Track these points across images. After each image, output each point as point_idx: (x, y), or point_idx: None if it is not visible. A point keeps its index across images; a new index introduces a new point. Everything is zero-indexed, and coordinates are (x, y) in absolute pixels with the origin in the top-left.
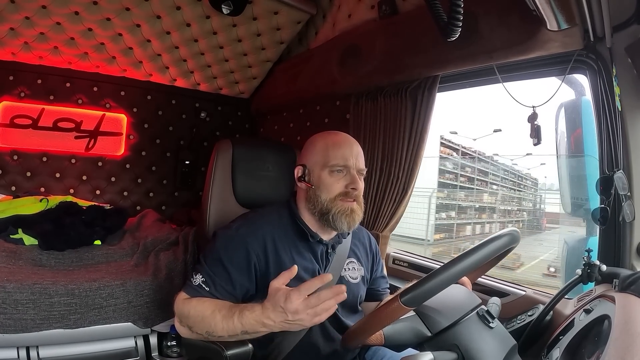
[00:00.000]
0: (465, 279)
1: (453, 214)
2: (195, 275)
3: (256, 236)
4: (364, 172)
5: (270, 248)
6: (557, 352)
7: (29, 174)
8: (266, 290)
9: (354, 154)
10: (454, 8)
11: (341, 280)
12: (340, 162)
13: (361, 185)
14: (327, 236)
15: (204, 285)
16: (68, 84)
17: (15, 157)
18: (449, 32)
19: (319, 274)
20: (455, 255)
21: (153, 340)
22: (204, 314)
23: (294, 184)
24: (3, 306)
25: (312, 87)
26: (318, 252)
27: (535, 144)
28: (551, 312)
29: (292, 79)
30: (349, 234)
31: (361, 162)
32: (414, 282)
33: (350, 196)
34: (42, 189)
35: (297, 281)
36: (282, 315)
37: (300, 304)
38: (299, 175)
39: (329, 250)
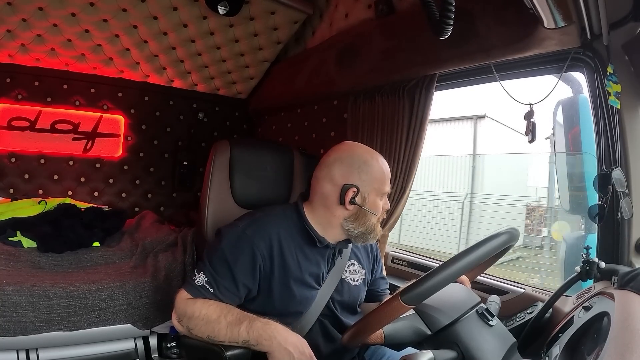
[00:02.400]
0: (464, 277)
1: None
2: (198, 274)
3: (263, 237)
4: None
5: (276, 249)
6: (556, 350)
7: (27, 176)
8: (268, 293)
9: None
10: (445, 6)
11: (342, 282)
12: (389, 188)
13: None
14: (334, 240)
15: (207, 286)
16: (65, 86)
17: (13, 160)
18: (441, 30)
19: (323, 277)
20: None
21: (153, 341)
22: (209, 318)
23: (291, 186)
24: (2, 309)
25: (309, 86)
26: (326, 255)
27: (529, 142)
28: (550, 310)
29: (290, 79)
30: None
31: None
32: (414, 280)
33: (383, 216)
34: (40, 191)
35: (300, 283)
36: (296, 349)
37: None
38: (351, 196)
39: (335, 254)
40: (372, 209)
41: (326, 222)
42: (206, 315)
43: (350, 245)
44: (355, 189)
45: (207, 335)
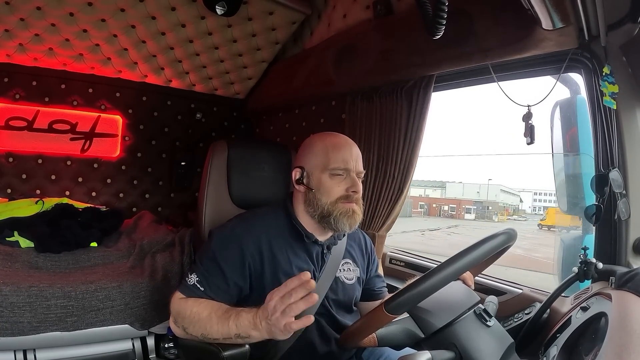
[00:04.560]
0: (467, 274)
1: None
2: (191, 275)
3: (251, 236)
4: (362, 175)
5: (265, 248)
6: (554, 350)
7: (24, 176)
8: (261, 291)
9: (354, 157)
10: (438, 6)
11: (336, 281)
12: (341, 165)
13: (361, 187)
14: (322, 237)
15: (198, 285)
16: (63, 86)
17: (11, 160)
18: (434, 30)
19: (315, 275)
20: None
21: (150, 342)
22: (200, 316)
23: (289, 185)
24: None
25: (307, 87)
26: (313, 252)
27: (528, 143)
28: (548, 310)
29: (288, 80)
30: (344, 235)
31: (360, 165)
32: (400, 289)
33: (351, 199)
34: (38, 191)
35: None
36: (265, 314)
37: (277, 301)
38: (297, 177)
39: (324, 251)
40: (318, 187)
41: (300, 211)
42: (197, 313)
43: (342, 243)
44: (299, 170)
45: (200, 333)
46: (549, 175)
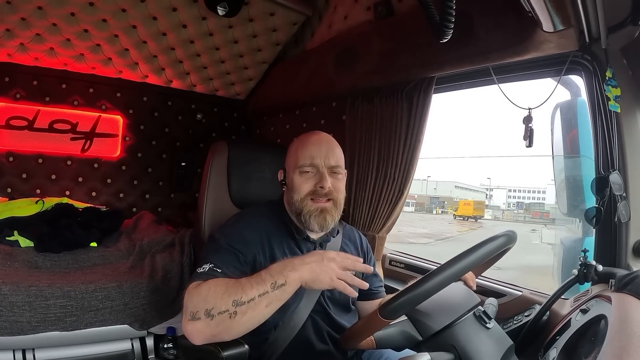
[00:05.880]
0: (469, 275)
1: None
2: (203, 265)
3: (253, 230)
4: (340, 170)
5: (265, 243)
6: (554, 352)
7: (24, 175)
8: None
9: (323, 152)
10: (445, 9)
11: None
12: (307, 161)
13: (329, 183)
14: (315, 234)
15: (215, 269)
16: (64, 85)
17: (11, 159)
18: (441, 34)
19: None
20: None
21: (149, 342)
22: (226, 286)
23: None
24: None
25: (308, 88)
26: (305, 249)
27: (527, 146)
28: (548, 313)
29: (288, 81)
30: (338, 232)
31: (332, 160)
32: (395, 293)
33: (319, 195)
34: (38, 191)
35: None
36: (318, 257)
37: (337, 256)
38: (281, 179)
39: (316, 248)
40: (291, 186)
41: (288, 210)
42: (223, 284)
43: (336, 241)
44: (282, 171)
45: (232, 299)
46: (527, 174)
